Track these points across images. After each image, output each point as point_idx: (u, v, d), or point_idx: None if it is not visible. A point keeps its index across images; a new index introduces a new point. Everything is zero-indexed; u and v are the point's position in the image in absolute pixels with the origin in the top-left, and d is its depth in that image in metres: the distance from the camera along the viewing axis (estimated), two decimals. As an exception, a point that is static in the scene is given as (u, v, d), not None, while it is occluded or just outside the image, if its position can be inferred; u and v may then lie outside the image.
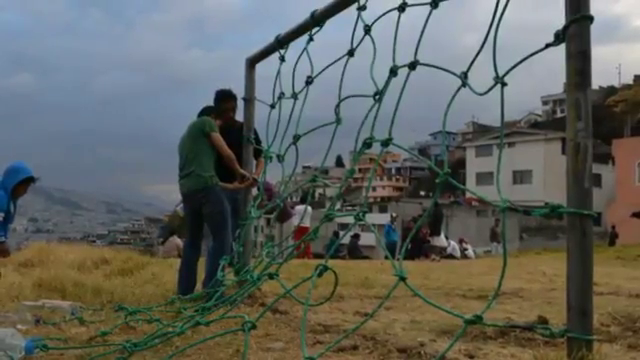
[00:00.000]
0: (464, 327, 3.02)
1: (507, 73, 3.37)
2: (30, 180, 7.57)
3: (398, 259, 3.77)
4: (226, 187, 7.71)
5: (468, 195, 62.34)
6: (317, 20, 6.08)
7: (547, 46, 3.17)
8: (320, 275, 3.71)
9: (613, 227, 36.92)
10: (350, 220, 4.25)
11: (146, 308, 6.25)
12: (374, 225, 4.94)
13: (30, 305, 6.34)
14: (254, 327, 3.55)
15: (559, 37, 3.10)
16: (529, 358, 3.70)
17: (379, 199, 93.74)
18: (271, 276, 4.45)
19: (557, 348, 3.82)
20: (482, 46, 3.59)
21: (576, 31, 3.07)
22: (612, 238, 35.54)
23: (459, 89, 3.74)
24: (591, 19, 3.08)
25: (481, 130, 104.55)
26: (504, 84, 3.37)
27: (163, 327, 4.82)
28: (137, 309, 6.15)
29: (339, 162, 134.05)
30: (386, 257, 24.18)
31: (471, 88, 3.66)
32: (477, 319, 2.97)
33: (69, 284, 8.21)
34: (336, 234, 29.66)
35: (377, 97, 4.52)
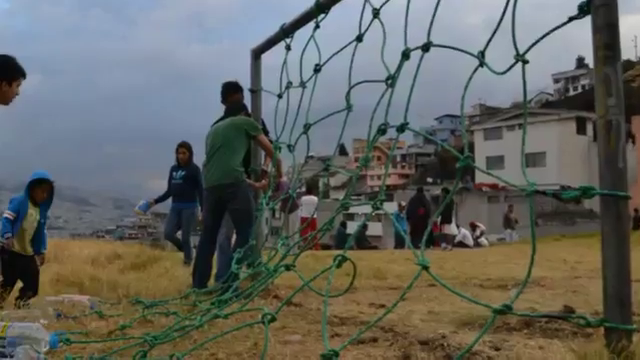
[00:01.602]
0: (493, 317, 2.89)
1: (528, 50, 3.24)
2: (42, 183, 7.77)
3: (409, 247, 3.66)
4: (253, 185, 7.72)
5: (478, 180, 61.84)
6: (322, 7, 5.98)
7: (570, 19, 3.04)
8: (339, 266, 3.61)
9: (636, 210, 36.04)
10: (357, 210, 4.16)
11: (162, 301, 6.23)
12: (384, 214, 4.85)
13: (51, 300, 6.48)
14: (274, 320, 3.48)
15: (584, 9, 2.97)
16: (564, 351, 3.56)
17: (385, 187, 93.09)
18: (288, 267, 4.37)
19: (587, 339, 3.69)
20: (499, 24, 3.47)
21: (602, 2, 2.93)
22: (636, 222, 34.72)
23: (476, 69, 3.63)
24: (618, -12, 2.94)
25: (489, 112, 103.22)
26: (525, 62, 3.25)
27: (181, 320, 4.79)
28: (154, 302, 6.17)
29: (342, 151, 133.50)
30: (396, 246, 24.30)
31: (490, 68, 3.53)
32: (506, 309, 2.84)
33: (86, 279, 8.37)
34: (343, 224, 29.64)
35: (389, 82, 4.41)
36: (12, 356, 3.76)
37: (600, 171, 2.94)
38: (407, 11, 4.46)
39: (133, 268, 11.06)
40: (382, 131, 4.22)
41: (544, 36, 3.22)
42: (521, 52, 3.26)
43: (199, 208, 11.63)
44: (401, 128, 4.05)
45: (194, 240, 10.96)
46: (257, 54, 7.89)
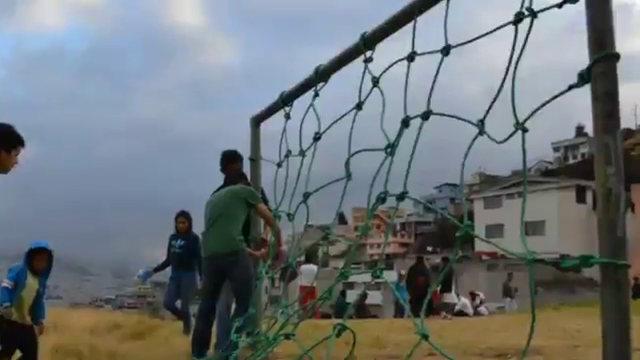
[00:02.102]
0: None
1: (528, 118, 3.23)
2: (41, 252, 7.66)
3: (409, 316, 3.63)
4: (253, 253, 7.71)
5: (477, 249, 61.64)
6: (321, 76, 5.98)
7: (570, 88, 3.03)
8: (339, 335, 3.58)
9: (635, 279, 35.88)
10: (356, 278, 4.13)
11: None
12: (385, 282, 4.81)
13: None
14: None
15: (583, 78, 2.96)
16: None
17: (384, 256, 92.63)
18: (288, 336, 4.32)
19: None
20: (499, 92, 3.47)
21: (602, 70, 2.93)
22: (636, 290, 34.54)
23: (476, 137, 3.60)
24: (617, 57, 2.94)
25: (489, 181, 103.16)
26: (525, 130, 3.24)
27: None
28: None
29: (342, 219, 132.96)
30: (395, 315, 24.18)
31: (489, 136, 3.51)
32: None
33: (85, 349, 8.30)
34: (343, 293, 29.51)
35: (389, 150, 4.40)
36: None
37: (600, 240, 2.90)
38: (407, 80, 4.47)
39: (132, 337, 10.99)
40: (381, 199, 4.20)
41: (544, 104, 3.21)
42: (521, 120, 3.26)
43: (198, 277, 11.58)
44: (401, 197, 4.04)
45: (193, 309, 10.91)
46: (256, 122, 7.87)
